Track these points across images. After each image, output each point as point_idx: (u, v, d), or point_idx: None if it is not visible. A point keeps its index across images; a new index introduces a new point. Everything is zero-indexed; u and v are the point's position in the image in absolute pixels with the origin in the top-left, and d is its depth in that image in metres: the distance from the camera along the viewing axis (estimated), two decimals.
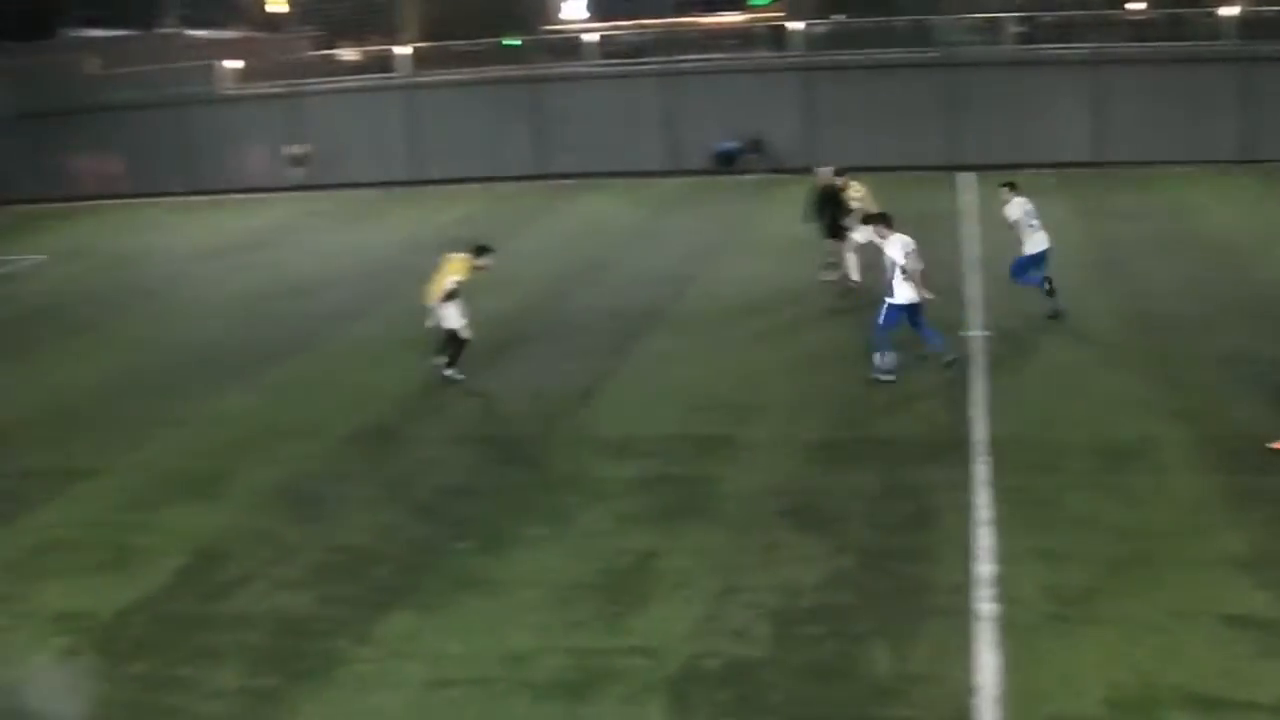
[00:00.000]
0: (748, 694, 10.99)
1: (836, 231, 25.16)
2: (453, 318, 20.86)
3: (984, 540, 13.64)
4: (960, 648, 11.44)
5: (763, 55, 49.66)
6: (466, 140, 45.34)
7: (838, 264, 25.48)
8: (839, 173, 25.84)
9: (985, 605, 12.17)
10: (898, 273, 19.26)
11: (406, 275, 29.41)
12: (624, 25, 63.85)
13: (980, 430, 17.05)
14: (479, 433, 18.89)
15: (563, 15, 73.62)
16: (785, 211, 27.09)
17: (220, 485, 17.23)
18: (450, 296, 20.77)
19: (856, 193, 25.38)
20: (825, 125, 41.42)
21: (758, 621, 12.20)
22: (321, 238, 37.20)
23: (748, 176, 41.54)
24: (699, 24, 64.95)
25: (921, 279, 19.35)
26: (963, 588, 12.60)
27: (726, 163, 43.16)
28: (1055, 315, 22.51)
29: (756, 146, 42.81)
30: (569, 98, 45.66)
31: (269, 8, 77.56)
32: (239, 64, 54.66)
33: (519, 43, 53.95)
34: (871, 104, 41.58)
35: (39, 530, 16.11)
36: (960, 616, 12.01)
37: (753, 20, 64.35)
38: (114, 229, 42.71)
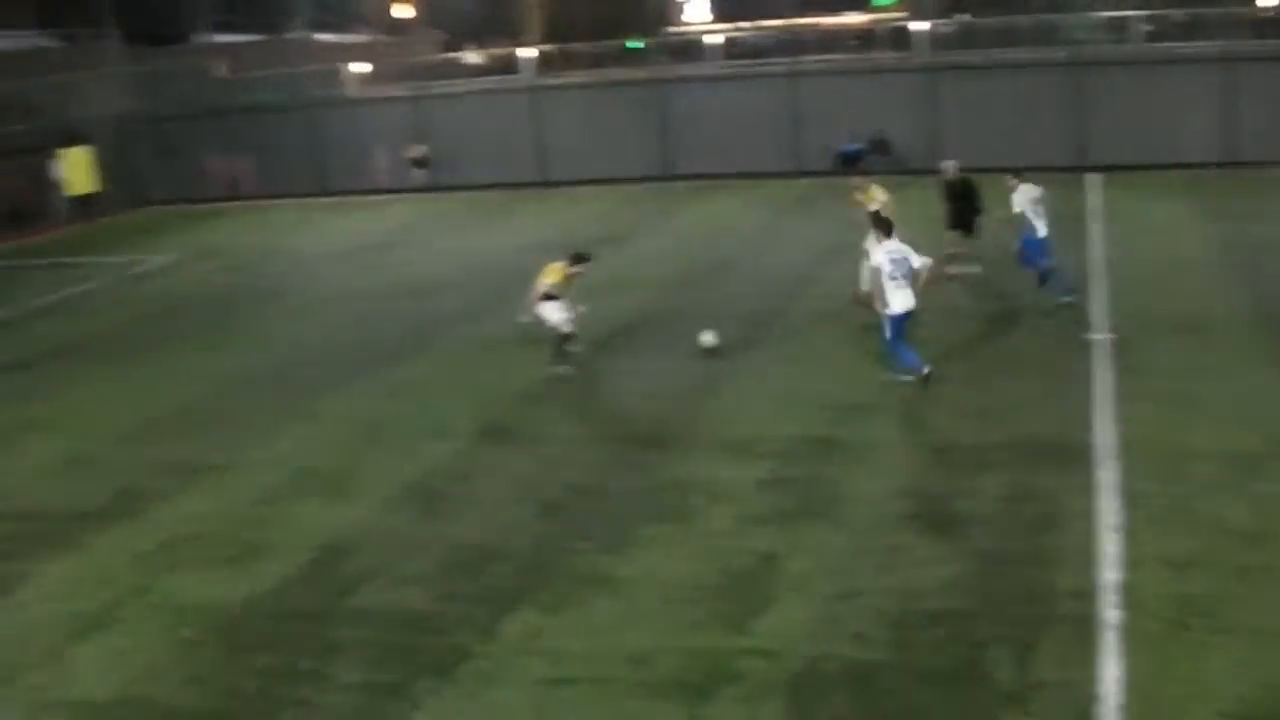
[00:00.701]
0: (866, 697, 10.97)
1: (962, 225, 25.11)
2: (552, 314, 21.43)
3: (1109, 546, 13.48)
4: (1083, 655, 11.32)
5: (886, 56, 49.40)
6: (590, 142, 45.46)
7: (957, 257, 25.43)
8: (862, 174, 25.82)
9: (1110, 612, 12.03)
10: (888, 281, 19.20)
11: (530, 276, 29.68)
12: (746, 27, 63.82)
13: (1106, 434, 16.83)
14: (602, 432, 19.00)
15: (685, 17, 73.75)
16: (909, 212, 26.86)
17: (347, 482, 17.53)
18: (545, 299, 21.43)
19: (880, 196, 25.12)
20: (949, 126, 40.96)
21: (878, 625, 12.17)
22: (446, 238, 37.53)
23: (871, 178, 41.24)
24: (822, 25, 64.73)
25: (933, 279, 19.76)
26: (1087, 594, 12.46)
27: (850, 164, 42.88)
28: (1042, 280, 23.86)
29: (880, 148, 42.53)
30: (692, 99, 45.58)
31: (395, 12, 78.53)
32: (365, 68, 55.43)
33: (642, 45, 54.10)
34: (996, 104, 41.07)
35: (169, 524, 16.50)
36: (1084, 624, 11.88)
37: (876, 21, 64.11)
38: (243, 229, 43.42)
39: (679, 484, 16.39)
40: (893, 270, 19.24)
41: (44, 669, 12.93)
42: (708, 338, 22.30)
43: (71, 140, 49.64)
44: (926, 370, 19.37)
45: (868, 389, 19.66)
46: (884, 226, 20.25)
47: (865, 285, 22.20)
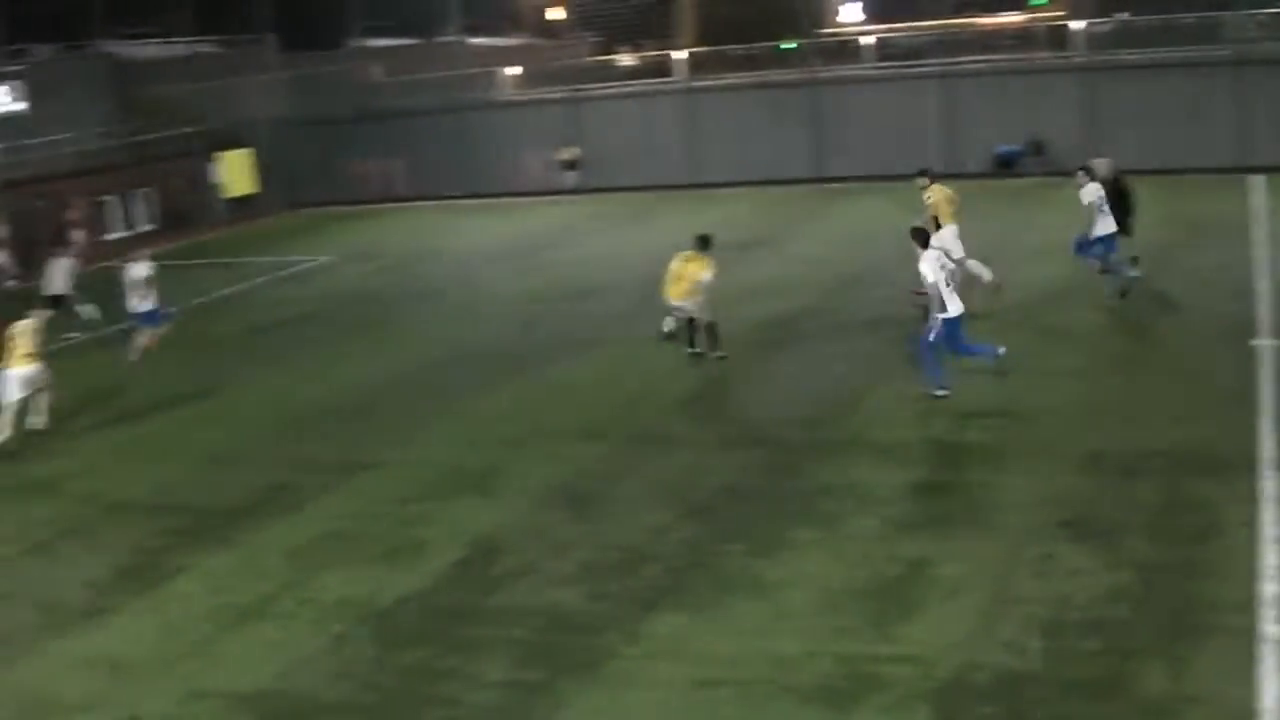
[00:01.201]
0: (1015, 708, 10.76)
1: (1117, 226, 24.78)
2: (702, 307, 22.12)
3: (1271, 558, 13.09)
4: (1241, 669, 10.99)
5: (1043, 56, 48.66)
6: (743, 143, 45.38)
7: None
8: (922, 173, 25.97)
9: (1271, 627, 11.68)
10: (943, 287, 19.10)
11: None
12: (901, 27, 63.25)
13: (1269, 443, 16.36)
14: (751, 435, 18.89)
15: (839, 18, 73.28)
16: (1064, 214, 26.48)
17: (497, 481, 17.68)
18: (695, 289, 22.12)
19: (930, 197, 25.03)
20: (1107, 127, 40.24)
21: (1029, 634, 11.95)
22: (598, 240, 37.70)
23: (1027, 179, 40.68)
24: (977, 25, 63.90)
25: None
26: (1246, 607, 12.10)
27: (1006, 165, 42.39)
28: (1124, 294, 24.40)
29: (1037, 149, 41.95)
30: (845, 100, 45.35)
31: (547, 15, 79.01)
32: (517, 70, 55.85)
33: (795, 46, 53.85)
34: (1156, 104, 40.27)
35: (322, 520, 16.77)
36: (1242, 637, 11.54)
37: (1032, 20, 63.13)
38: (397, 231, 43.99)
39: (828, 487, 16.28)
40: (945, 275, 19.26)
41: (197, 658, 13.20)
42: (668, 323, 23.36)
43: (230, 143, 50.77)
44: (944, 392, 19.39)
45: (1022, 392, 19.35)
46: (921, 237, 20.04)
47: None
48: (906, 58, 51.84)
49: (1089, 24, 47.41)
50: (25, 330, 21.79)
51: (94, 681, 12.94)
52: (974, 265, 24.64)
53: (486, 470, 18.16)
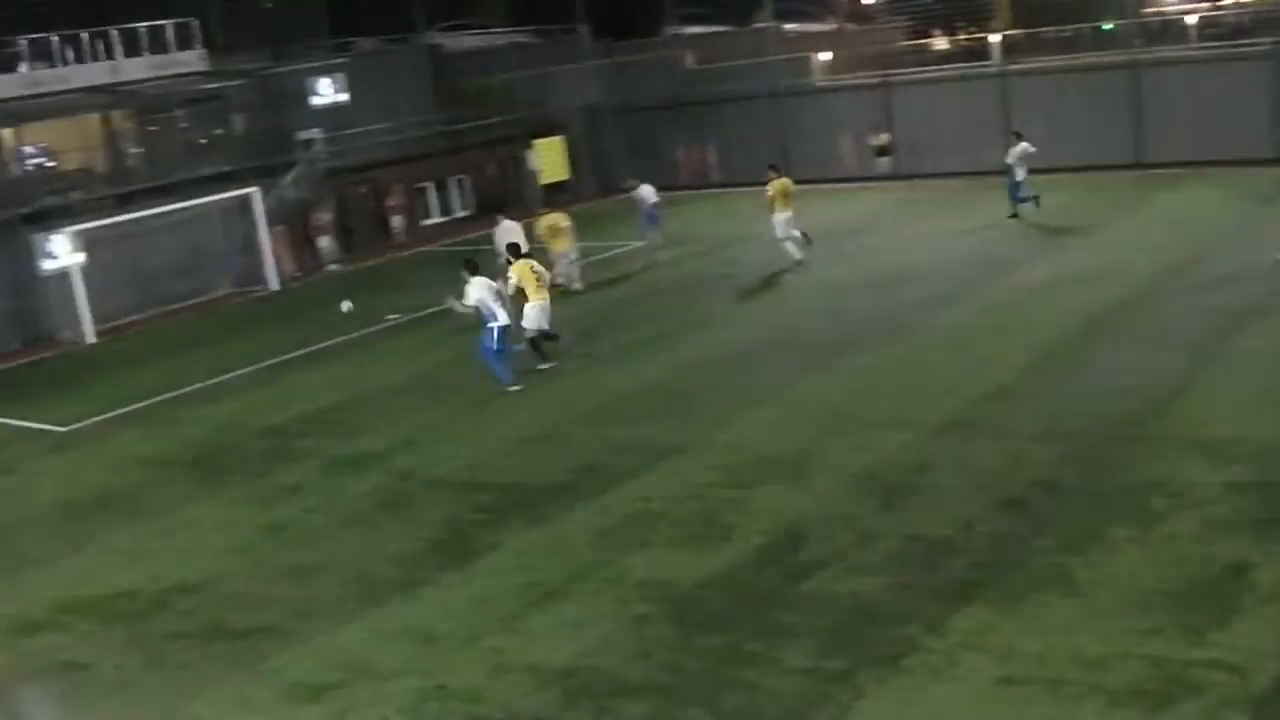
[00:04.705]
0: None
1: None
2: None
3: None
4: None
5: None
6: (1060, 128, 44.06)
7: None
8: (771, 168, 31.51)
9: None
10: (491, 303, 23.19)
11: (994, 265, 29.18)
12: (1227, 4, 60.94)
13: None
14: (1066, 427, 18.39)
15: None
16: None
17: (805, 467, 17.75)
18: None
19: (769, 190, 30.19)
20: None
21: None
22: (910, 226, 37.30)
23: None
24: None
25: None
26: None
27: None
28: (1013, 217, 34.99)
29: None
30: (1168, 83, 43.75)
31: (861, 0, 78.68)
32: (830, 56, 55.68)
33: (1114, 27, 52.40)
34: None
35: (631, 501, 17.15)
36: None
37: None
38: (709, 217, 44.27)
39: (1145, 484, 15.81)
40: (490, 294, 23.28)
41: (504, 633, 13.71)
42: (345, 305, 28.75)
43: (544, 131, 51.91)
44: (518, 388, 23.27)
45: None
46: (469, 268, 23.79)
47: None
48: (1233, 37, 49.90)
49: None
50: (556, 221, 33.10)
51: (405, 651, 13.54)
52: (789, 246, 31.85)
53: (794, 456, 18.23)
